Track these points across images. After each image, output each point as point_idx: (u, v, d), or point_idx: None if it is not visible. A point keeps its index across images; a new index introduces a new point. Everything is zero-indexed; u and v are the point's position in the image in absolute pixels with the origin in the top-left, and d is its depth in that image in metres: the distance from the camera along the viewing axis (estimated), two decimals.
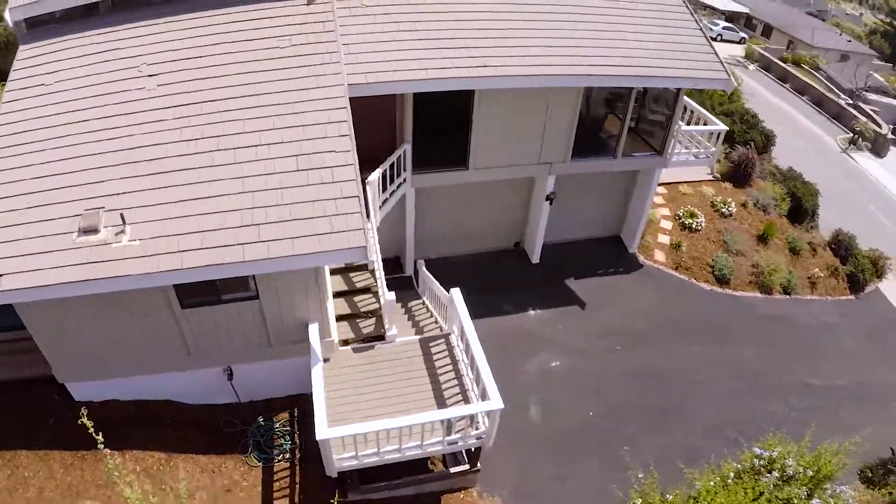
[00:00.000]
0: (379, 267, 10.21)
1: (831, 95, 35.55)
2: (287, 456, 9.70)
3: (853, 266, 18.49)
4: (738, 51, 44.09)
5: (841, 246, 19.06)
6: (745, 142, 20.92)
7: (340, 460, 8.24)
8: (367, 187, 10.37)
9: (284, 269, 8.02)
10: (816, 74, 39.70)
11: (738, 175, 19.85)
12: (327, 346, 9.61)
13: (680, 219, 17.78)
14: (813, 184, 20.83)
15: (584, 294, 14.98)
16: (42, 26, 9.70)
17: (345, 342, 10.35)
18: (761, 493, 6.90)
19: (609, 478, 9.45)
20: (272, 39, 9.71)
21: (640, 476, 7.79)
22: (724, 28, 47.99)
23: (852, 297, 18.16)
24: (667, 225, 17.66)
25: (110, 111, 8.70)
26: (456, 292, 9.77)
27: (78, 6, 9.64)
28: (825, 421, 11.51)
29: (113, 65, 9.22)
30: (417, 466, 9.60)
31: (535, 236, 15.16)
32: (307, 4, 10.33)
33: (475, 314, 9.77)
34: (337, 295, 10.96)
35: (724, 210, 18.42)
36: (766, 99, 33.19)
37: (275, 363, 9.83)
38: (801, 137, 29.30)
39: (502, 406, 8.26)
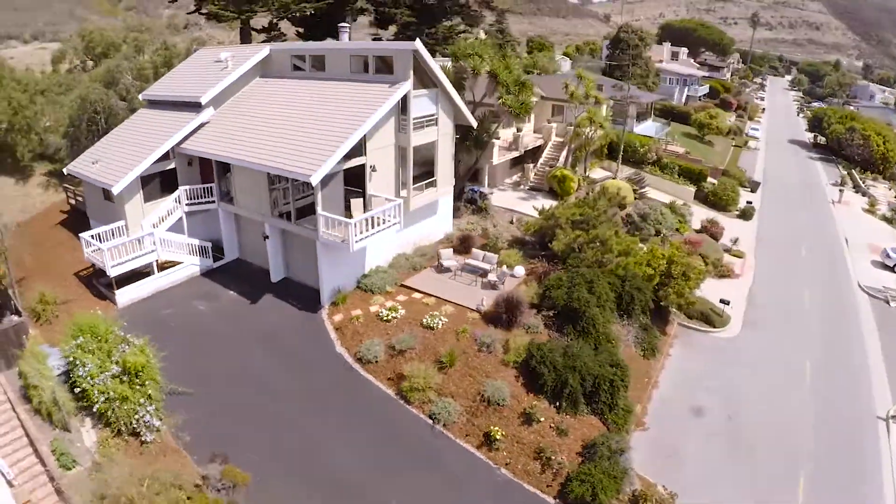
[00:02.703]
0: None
1: None
2: None
3: None
4: None
5: None
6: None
7: None
8: None
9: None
10: None
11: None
12: None
13: (381, 310, 23.15)
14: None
15: (265, 308, 24.21)
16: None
17: None
18: None
19: None
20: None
21: None
22: None
23: None
24: (363, 303, 23.61)
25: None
26: None
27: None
28: None
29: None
30: None
31: (272, 260, 25.47)
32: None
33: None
34: None
35: (431, 324, 22.27)
36: None
37: None
38: None
39: None
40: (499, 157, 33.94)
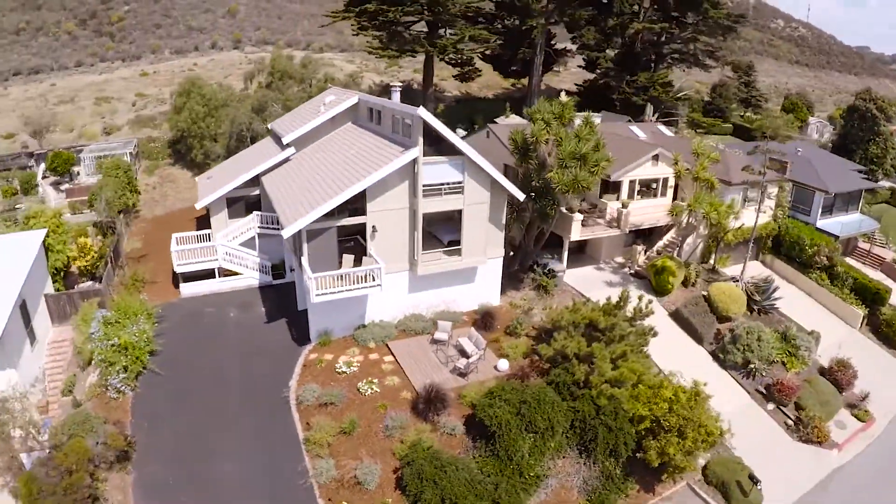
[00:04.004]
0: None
1: None
2: None
3: None
4: None
5: None
6: None
7: None
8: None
9: None
10: None
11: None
12: None
13: (340, 362, 24.55)
14: None
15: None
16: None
17: None
18: None
19: None
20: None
21: None
22: None
23: None
24: (339, 350, 25.14)
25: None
26: None
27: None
28: None
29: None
30: None
31: (298, 290, 28.75)
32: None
33: None
34: None
35: (362, 389, 23.13)
36: None
37: None
38: None
39: None
40: (581, 232, 30.90)
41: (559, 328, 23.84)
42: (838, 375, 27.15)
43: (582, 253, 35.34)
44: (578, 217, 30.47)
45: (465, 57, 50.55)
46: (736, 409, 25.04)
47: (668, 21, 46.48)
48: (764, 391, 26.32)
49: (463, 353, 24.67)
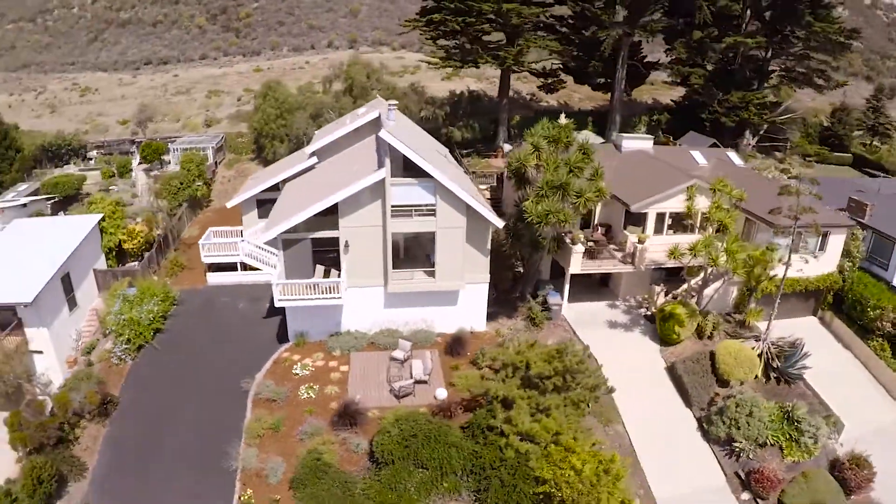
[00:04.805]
0: None
1: None
2: None
3: None
4: None
5: None
6: None
7: None
8: None
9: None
10: None
11: None
12: None
13: (298, 364, 26.56)
14: None
15: None
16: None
17: None
18: None
19: None
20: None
21: None
22: None
23: None
24: (308, 353, 27.21)
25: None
26: None
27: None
28: None
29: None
30: None
31: None
32: None
33: None
34: None
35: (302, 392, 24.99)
36: None
37: None
38: None
39: None
40: (583, 266, 29.43)
41: (504, 366, 23.44)
42: (848, 474, 23.10)
43: (605, 287, 33.55)
44: (579, 249, 29.18)
45: (544, 68, 49.72)
46: (702, 490, 22.90)
47: (770, 35, 41.41)
48: (743, 476, 23.39)
49: (412, 375, 25.26)
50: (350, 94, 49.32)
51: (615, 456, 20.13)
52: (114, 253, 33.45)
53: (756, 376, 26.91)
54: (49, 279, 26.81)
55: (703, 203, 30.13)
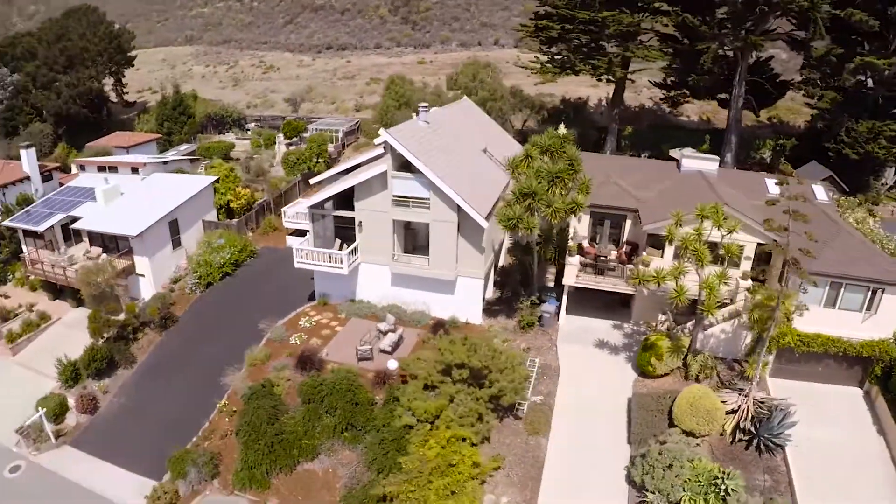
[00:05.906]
0: None
1: None
2: None
3: None
4: None
5: None
6: None
7: None
8: None
9: None
10: None
11: None
12: None
13: (310, 320, 32.19)
14: None
15: None
16: None
17: None
18: None
19: None
20: None
21: None
22: None
23: None
24: (325, 312, 32.86)
25: None
26: None
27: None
28: None
29: None
30: None
31: None
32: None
33: None
34: None
35: (303, 324, 30.60)
36: None
37: None
38: None
39: None
40: (577, 279, 29.86)
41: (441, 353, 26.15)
42: None
43: (626, 307, 33.19)
44: (573, 261, 30.08)
45: (664, 80, 48.36)
46: None
47: None
48: None
49: (379, 345, 29.20)
50: (472, 91, 53.27)
51: (476, 453, 22.01)
52: (223, 210, 42.46)
53: (723, 432, 25.19)
54: (154, 221, 36.14)
55: (745, 235, 28.36)
